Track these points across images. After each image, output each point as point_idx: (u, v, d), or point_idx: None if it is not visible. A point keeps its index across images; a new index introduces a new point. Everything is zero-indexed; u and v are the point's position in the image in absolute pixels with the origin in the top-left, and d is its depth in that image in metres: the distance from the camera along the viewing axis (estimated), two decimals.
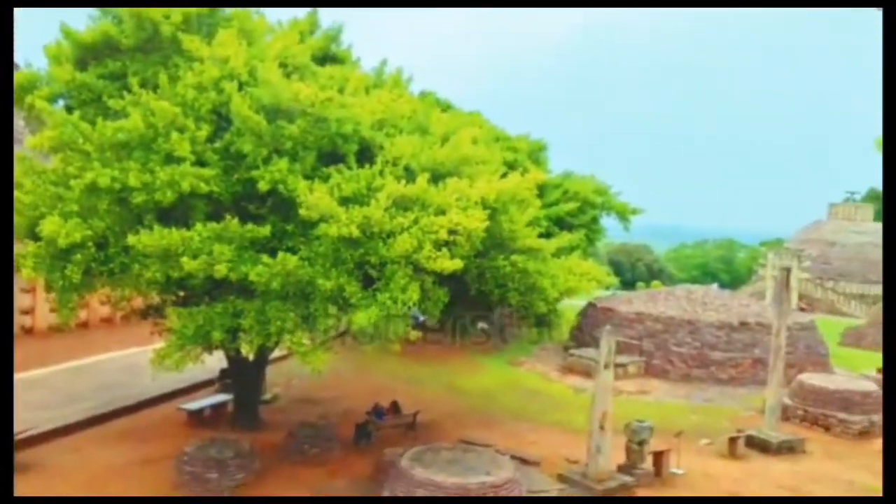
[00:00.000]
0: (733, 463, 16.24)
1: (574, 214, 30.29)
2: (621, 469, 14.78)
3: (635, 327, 25.78)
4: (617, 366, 19.28)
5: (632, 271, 74.38)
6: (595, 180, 33.14)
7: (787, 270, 18.63)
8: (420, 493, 11.38)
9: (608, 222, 34.34)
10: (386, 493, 11.91)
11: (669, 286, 38.20)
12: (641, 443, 14.91)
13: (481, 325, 28.75)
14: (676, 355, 24.52)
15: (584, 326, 27.88)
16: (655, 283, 58.46)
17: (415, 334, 12.40)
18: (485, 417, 18.73)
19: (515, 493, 11.83)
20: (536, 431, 17.85)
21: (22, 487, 12.51)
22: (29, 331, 24.25)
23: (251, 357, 16.02)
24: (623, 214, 32.71)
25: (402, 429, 16.91)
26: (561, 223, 28.96)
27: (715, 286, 36.01)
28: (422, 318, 24.75)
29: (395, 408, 17.30)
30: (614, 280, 23.19)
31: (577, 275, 15.98)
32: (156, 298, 16.19)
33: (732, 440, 16.89)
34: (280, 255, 11.75)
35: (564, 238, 18.94)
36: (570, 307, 28.69)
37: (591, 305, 28.49)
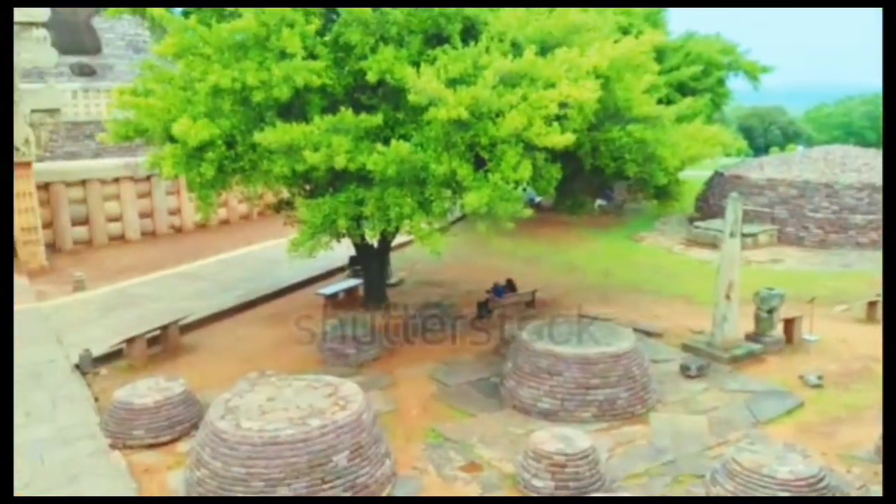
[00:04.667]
0: (872, 327, 15.56)
1: (697, 78, 28.38)
2: (749, 337, 14.60)
3: (767, 194, 24.50)
4: (746, 235, 18.64)
5: (764, 136, 69.44)
6: (721, 39, 30.65)
7: None
8: (542, 363, 11.86)
9: (738, 85, 31.99)
10: (510, 365, 12.50)
11: (807, 149, 35.56)
12: (771, 310, 14.57)
13: (598, 201, 28.35)
14: (812, 221, 23.21)
15: (709, 197, 26.82)
16: (790, 146, 54.48)
17: (527, 212, 12.46)
18: (604, 293, 18.85)
19: (636, 363, 12.06)
20: (659, 305, 17.80)
21: (190, 365, 14.22)
22: (178, 229, 26.58)
23: (375, 243, 16.83)
24: (752, 74, 30.29)
25: (522, 306, 17.40)
26: (683, 89, 27.28)
27: None
28: (537, 199, 24.76)
29: (511, 286, 17.74)
30: (743, 145, 21.84)
31: (701, 141, 15.19)
32: (285, 193, 17.18)
33: (871, 304, 16.12)
34: (393, 142, 12.02)
35: (686, 104, 17.85)
36: (696, 178, 27.58)
37: (717, 174, 27.24)
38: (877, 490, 9.28)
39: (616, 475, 9.86)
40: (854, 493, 9.27)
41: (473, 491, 9.60)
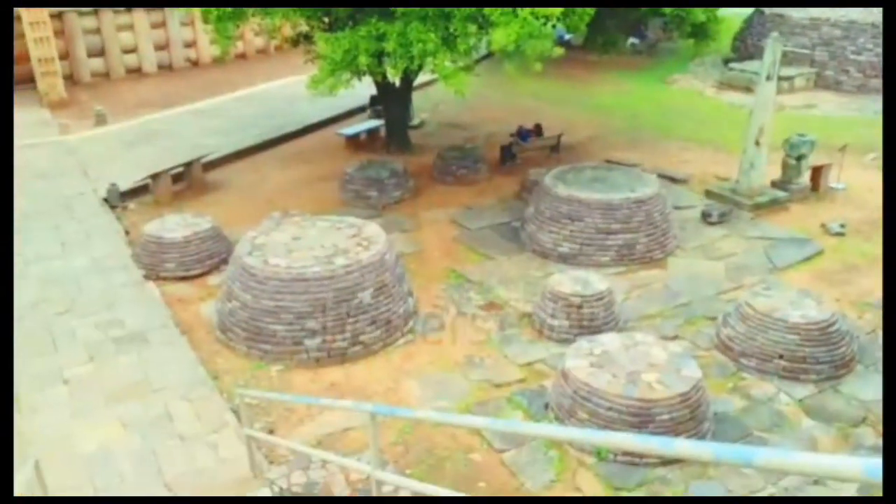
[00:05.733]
0: None
1: None
2: (775, 185, 14.41)
3: (808, 34, 23.13)
4: (782, 78, 17.78)
5: None
6: None
7: None
8: (563, 209, 11.89)
9: None
10: (531, 210, 12.55)
11: None
12: (800, 157, 14.25)
13: (631, 39, 27.01)
14: (853, 64, 22.06)
15: (747, 37, 25.40)
16: None
17: (557, 51, 11.92)
18: (632, 138, 18.46)
19: (658, 209, 12.04)
20: (687, 150, 17.46)
21: (214, 202, 14.45)
22: (195, 63, 25.96)
23: (397, 82, 16.36)
24: None
25: (546, 150, 17.16)
26: None
27: None
28: (567, 37, 23.58)
29: (538, 130, 17.39)
30: None
31: None
32: (304, 26, 16.48)
33: None
34: None
35: None
36: (735, 16, 25.95)
37: (758, 12, 25.58)
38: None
39: (630, 316, 10.19)
40: (863, 338, 9.53)
41: (492, 327, 10.01)
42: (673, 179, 15.20)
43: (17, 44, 21.33)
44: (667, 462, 7.08)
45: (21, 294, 10.64)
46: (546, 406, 8.08)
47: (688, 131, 18.88)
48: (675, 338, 9.55)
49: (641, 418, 7.15)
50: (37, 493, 5.73)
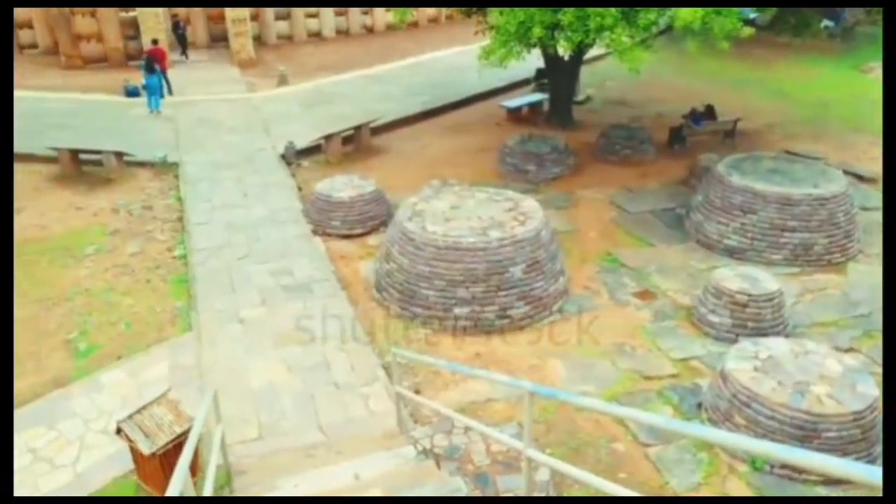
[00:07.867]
0: None
1: None
2: None
3: None
4: None
5: None
6: None
7: None
8: (736, 199, 11.20)
9: None
10: (699, 198, 11.94)
11: None
12: None
13: (825, 21, 24.74)
14: None
15: None
16: None
17: (747, 31, 11.13)
18: (817, 128, 16.98)
19: (843, 209, 11.03)
20: (878, 146, 15.79)
21: (379, 165, 15.01)
22: (370, 30, 26.96)
23: (567, 56, 16.05)
24: None
25: (720, 136, 16.19)
26: None
27: None
28: (752, 16, 21.98)
29: (710, 112, 16.42)
30: None
31: None
32: None
33: None
34: None
35: None
36: None
37: None
38: None
39: (800, 321, 9.49)
40: None
41: (645, 317, 9.70)
42: (860, 177, 13.87)
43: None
44: (829, 481, 6.58)
45: (210, 237, 11.72)
46: (699, 406, 7.75)
47: (880, 125, 17.05)
48: (849, 350, 8.79)
49: (806, 432, 6.66)
50: (212, 421, 6.31)
